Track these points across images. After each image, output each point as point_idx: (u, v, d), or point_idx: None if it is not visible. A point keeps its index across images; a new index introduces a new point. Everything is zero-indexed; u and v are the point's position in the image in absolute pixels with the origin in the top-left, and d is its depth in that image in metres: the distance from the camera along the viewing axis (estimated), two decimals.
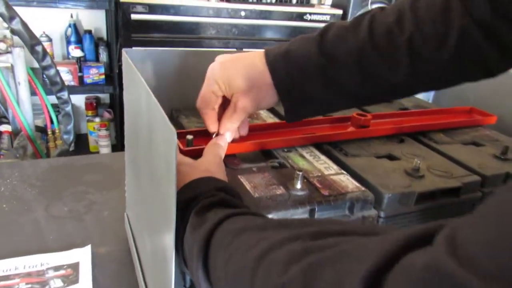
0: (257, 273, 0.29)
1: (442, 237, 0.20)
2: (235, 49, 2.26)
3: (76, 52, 2.29)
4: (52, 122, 1.38)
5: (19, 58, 1.21)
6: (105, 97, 2.61)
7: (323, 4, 2.55)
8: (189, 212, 0.41)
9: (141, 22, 2.05)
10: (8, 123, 1.43)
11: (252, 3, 2.23)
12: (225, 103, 0.55)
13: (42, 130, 1.42)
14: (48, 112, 1.36)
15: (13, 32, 1.03)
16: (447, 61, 0.48)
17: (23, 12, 2.18)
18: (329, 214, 0.49)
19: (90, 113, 2.47)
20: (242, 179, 0.51)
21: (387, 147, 0.65)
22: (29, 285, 0.62)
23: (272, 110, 0.76)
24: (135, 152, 0.59)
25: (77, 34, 2.30)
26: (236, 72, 0.51)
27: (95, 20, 2.38)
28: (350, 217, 0.50)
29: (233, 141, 0.58)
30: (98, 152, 2.41)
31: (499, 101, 0.86)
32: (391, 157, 0.62)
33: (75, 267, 0.68)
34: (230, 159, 0.56)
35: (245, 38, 2.28)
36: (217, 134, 0.56)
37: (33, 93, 1.31)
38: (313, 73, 0.50)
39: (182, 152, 0.53)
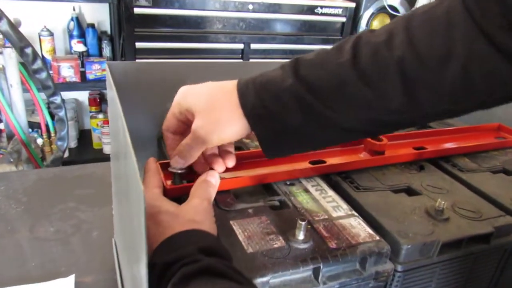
0: None
1: None
2: (240, 59, 2.16)
3: (78, 47, 2.22)
4: (47, 122, 1.32)
5: (11, 59, 1.14)
6: None
7: None
8: (166, 280, 0.33)
9: (144, 16, 1.97)
10: None
11: None
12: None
13: (37, 126, 1.35)
14: (43, 112, 1.30)
15: (0, 33, 0.96)
16: (451, 86, 0.38)
17: (24, 5, 2.13)
18: (336, 271, 0.42)
19: (93, 109, 2.40)
20: (235, 225, 0.44)
21: (404, 176, 0.57)
22: None
23: None
24: (117, 176, 0.52)
25: (80, 28, 2.23)
26: (199, 91, 0.44)
27: (98, 13, 2.30)
28: (361, 273, 0.42)
29: (226, 171, 0.51)
30: (101, 149, 2.36)
31: None
32: (410, 191, 0.54)
33: None
34: (222, 196, 0.48)
35: (253, 33, 2.18)
36: (211, 168, 0.48)
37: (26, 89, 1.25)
38: (287, 99, 0.41)
39: (166, 191, 0.46)
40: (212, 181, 0.45)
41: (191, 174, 0.49)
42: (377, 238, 0.44)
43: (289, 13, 2.20)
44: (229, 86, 0.43)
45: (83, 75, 2.14)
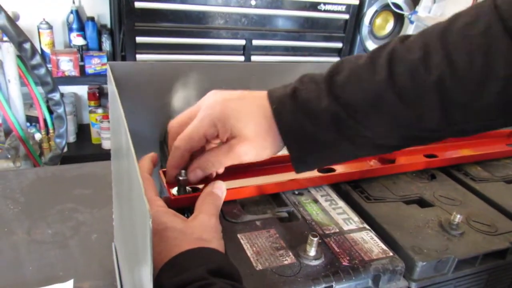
0: None
1: None
2: (242, 56, 2.13)
3: (78, 40, 2.18)
4: (45, 117, 1.29)
5: (9, 54, 1.12)
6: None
7: None
8: None
9: (145, 10, 1.93)
10: None
11: None
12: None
13: (35, 120, 1.33)
14: (41, 108, 1.28)
15: None
16: (490, 106, 0.37)
17: None
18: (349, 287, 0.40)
19: (92, 103, 2.37)
20: (243, 239, 0.42)
21: (416, 186, 0.55)
22: None
23: None
24: (118, 179, 0.50)
25: (79, 21, 2.20)
26: (243, 116, 0.41)
27: (98, 6, 2.27)
28: None
29: (232, 178, 0.49)
30: (100, 144, 2.33)
31: None
32: (422, 203, 0.52)
33: None
34: (229, 207, 0.46)
35: (255, 29, 2.15)
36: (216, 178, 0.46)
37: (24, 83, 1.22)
38: (324, 119, 0.40)
39: (171, 201, 0.44)
40: (219, 193, 0.43)
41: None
42: (391, 254, 0.42)
43: (292, 9, 2.17)
44: (266, 110, 0.42)
45: (82, 69, 2.11)
